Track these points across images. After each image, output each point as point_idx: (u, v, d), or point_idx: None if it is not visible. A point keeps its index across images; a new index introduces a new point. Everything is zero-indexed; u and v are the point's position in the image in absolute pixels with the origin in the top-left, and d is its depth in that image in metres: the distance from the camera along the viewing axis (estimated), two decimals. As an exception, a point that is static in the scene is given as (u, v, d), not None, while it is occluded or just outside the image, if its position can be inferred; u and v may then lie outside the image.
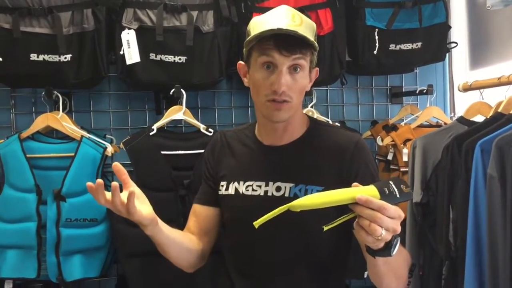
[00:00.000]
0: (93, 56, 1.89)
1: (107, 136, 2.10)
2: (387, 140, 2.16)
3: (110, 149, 1.90)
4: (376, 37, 2.08)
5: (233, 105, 2.33)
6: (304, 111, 2.09)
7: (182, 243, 1.26)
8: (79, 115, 2.15)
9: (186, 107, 1.97)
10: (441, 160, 1.68)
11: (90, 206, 1.85)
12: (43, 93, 1.93)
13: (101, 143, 1.91)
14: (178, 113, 1.97)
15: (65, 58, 1.83)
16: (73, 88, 2.05)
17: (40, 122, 1.88)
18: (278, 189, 1.22)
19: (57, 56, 1.81)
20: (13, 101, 2.10)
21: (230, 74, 2.10)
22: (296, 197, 1.18)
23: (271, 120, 1.20)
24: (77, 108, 2.15)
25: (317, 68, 1.24)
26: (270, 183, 1.22)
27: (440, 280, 1.68)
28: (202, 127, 1.98)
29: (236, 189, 1.26)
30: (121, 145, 1.92)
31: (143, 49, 1.90)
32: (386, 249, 0.96)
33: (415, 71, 2.48)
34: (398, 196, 0.94)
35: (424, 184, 1.79)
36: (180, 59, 1.92)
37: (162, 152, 1.91)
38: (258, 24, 1.17)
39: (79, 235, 1.84)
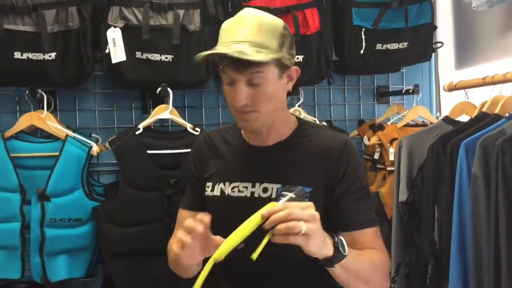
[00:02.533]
0: (78, 55, 1.87)
1: (92, 135, 2.08)
2: (374, 140, 2.17)
3: (95, 149, 1.88)
4: (363, 37, 2.09)
5: (220, 104, 2.32)
6: (291, 110, 2.10)
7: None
8: (64, 114, 2.12)
9: (173, 106, 1.96)
10: (427, 159, 1.69)
11: (74, 206, 1.84)
12: (27, 91, 1.91)
13: (87, 142, 1.89)
14: (165, 112, 1.96)
15: (50, 56, 1.81)
16: (57, 86, 2.03)
17: (24, 121, 1.86)
18: (265, 190, 1.20)
19: (42, 54, 1.79)
20: (-4, 100, 2.08)
21: (217, 73, 2.09)
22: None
23: (243, 129, 1.22)
24: (62, 107, 2.13)
25: (296, 67, 1.21)
26: (257, 184, 1.21)
27: (426, 279, 1.69)
28: (189, 126, 1.97)
29: (221, 190, 1.25)
30: (107, 145, 1.90)
31: (129, 48, 1.88)
32: (337, 252, 1.01)
33: (402, 70, 2.49)
34: (293, 196, 1.01)
35: (409, 183, 1.80)
36: (166, 57, 1.91)
37: (148, 152, 1.90)
38: (221, 35, 1.16)
39: (64, 235, 1.82)
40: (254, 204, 1.12)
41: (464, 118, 1.87)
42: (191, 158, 1.35)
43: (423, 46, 2.21)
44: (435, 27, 2.26)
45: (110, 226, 1.85)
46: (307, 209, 0.97)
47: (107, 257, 1.90)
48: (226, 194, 1.24)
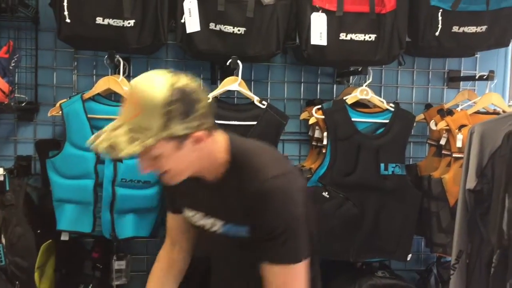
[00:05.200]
0: (155, 23, 1.92)
1: (162, 102, 2.15)
2: (442, 125, 2.12)
3: (167, 115, 1.94)
4: (440, 18, 2.03)
5: (286, 79, 2.34)
6: (359, 90, 2.10)
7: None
8: (137, 80, 2.20)
9: (240, 79, 1.99)
10: (501, 147, 1.64)
11: (144, 168, 1.92)
12: (105, 56, 1.99)
13: (158, 108, 1.95)
14: (234, 84, 1.99)
15: (129, 23, 1.87)
16: (133, 53, 2.10)
17: (102, 84, 1.95)
18: (213, 224, 1.25)
19: (122, 21, 1.85)
20: (75, 63, 2.18)
21: (285, 48, 2.10)
22: (226, 234, 1.23)
23: None
24: (136, 73, 2.20)
25: (202, 133, 1.10)
26: (208, 216, 1.26)
27: (489, 268, 1.66)
28: (256, 99, 2.00)
29: (187, 214, 1.32)
30: (177, 112, 1.96)
31: (204, 19, 1.92)
32: None
33: (476, 55, 2.40)
34: None
35: (479, 171, 1.76)
36: (239, 30, 1.93)
37: (217, 122, 1.93)
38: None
39: (133, 195, 1.91)
40: (205, 233, 1.28)
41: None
42: None
43: (502, 31, 2.12)
44: (517, 12, 2.16)
45: (176, 191, 1.92)
46: None
47: (171, 219, 1.98)
48: (190, 218, 1.32)
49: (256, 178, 1.14)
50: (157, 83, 1.06)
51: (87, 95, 1.93)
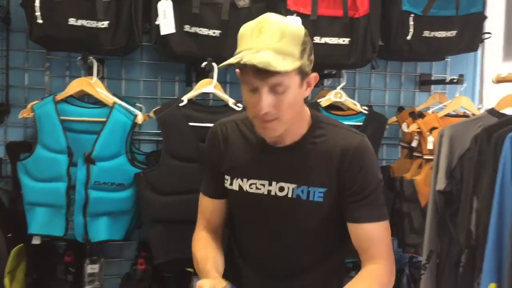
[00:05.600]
0: (129, 24, 1.90)
1: (136, 104, 2.14)
2: (413, 127, 2.16)
3: (140, 117, 1.94)
4: (411, 23, 2.07)
5: (262, 82, 2.34)
6: (333, 92, 2.12)
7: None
8: (111, 81, 2.18)
9: (216, 81, 1.99)
10: (469, 149, 1.68)
11: (118, 171, 1.90)
12: (78, 58, 1.96)
13: (132, 110, 1.94)
14: (209, 86, 1.99)
15: (102, 24, 1.85)
16: (107, 54, 2.08)
17: (75, 85, 1.92)
18: (281, 189, 1.24)
19: (95, 22, 1.84)
20: (48, 64, 2.14)
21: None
22: (298, 198, 1.22)
23: (262, 136, 1.22)
24: (110, 75, 2.19)
25: (315, 75, 1.20)
26: (273, 183, 1.24)
27: (457, 268, 1.70)
28: (231, 101, 2.00)
29: (240, 186, 1.28)
30: (151, 114, 1.95)
31: (179, 21, 1.91)
32: None
33: (446, 59, 2.46)
34: None
35: (448, 173, 1.80)
36: (214, 32, 1.94)
37: (190, 124, 1.94)
38: (240, 40, 1.14)
39: (107, 198, 1.89)
40: (271, 201, 1.22)
41: (510, 111, 1.84)
42: (209, 147, 1.36)
43: (471, 36, 2.18)
44: (485, 17, 2.21)
45: (151, 193, 1.91)
46: None
47: (146, 222, 1.98)
48: (245, 190, 1.28)
49: (351, 138, 1.22)
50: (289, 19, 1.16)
51: (60, 96, 1.90)
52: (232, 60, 1.10)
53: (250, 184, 1.27)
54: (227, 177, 1.31)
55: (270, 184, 1.24)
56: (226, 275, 1.23)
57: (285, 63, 1.08)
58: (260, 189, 1.25)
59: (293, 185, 1.22)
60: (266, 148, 1.25)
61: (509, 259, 1.46)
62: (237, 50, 1.14)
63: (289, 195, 1.23)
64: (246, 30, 1.14)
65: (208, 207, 1.37)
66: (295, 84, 1.13)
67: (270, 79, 1.09)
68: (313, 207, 1.22)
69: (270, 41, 1.09)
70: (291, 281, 1.30)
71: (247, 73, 1.11)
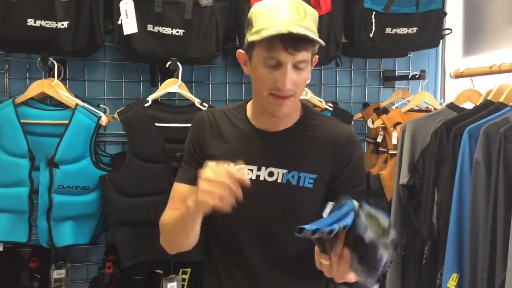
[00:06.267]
0: (90, 25, 1.88)
1: (100, 105, 2.10)
2: (378, 123, 2.20)
3: (104, 119, 1.91)
4: (373, 20, 2.10)
5: (228, 80, 2.34)
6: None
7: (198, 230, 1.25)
8: (73, 83, 2.14)
9: (181, 80, 1.98)
10: (430, 144, 1.72)
11: (82, 174, 1.87)
12: (38, 59, 1.92)
13: (95, 112, 1.91)
14: (174, 86, 1.98)
15: (62, 25, 1.81)
16: (68, 55, 2.04)
17: (35, 88, 1.88)
18: (270, 174, 1.23)
19: (54, 22, 1.80)
20: (7, 66, 2.08)
21: (225, 49, 2.11)
22: (288, 183, 1.21)
23: (273, 115, 1.21)
24: (72, 76, 2.14)
25: (317, 56, 1.22)
26: (263, 168, 1.23)
27: (421, 260, 1.74)
28: (196, 101, 1.99)
29: None
30: (116, 115, 1.93)
31: (141, 20, 1.89)
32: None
33: (408, 56, 2.51)
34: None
35: (411, 167, 1.84)
36: (177, 32, 1.92)
37: (156, 124, 1.93)
38: (262, 18, 1.14)
39: (71, 202, 1.86)
40: (259, 186, 1.20)
41: (468, 105, 1.89)
42: (192, 134, 1.34)
43: (432, 32, 2.22)
44: (445, 14, 2.27)
45: (116, 195, 1.89)
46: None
47: (112, 225, 1.94)
48: None
49: (343, 127, 1.28)
50: None
51: (20, 99, 1.86)
52: (275, 31, 1.08)
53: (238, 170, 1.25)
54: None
55: (259, 169, 1.23)
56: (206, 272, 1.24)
57: (315, 36, 1.11)
58: (248, 174, 1.23)
59: (284, 170, 1.22)
60: (256, 133, 1.26)
61: (469, 250, 1.51)
62: (258, 27, 1.13)
63: (279, 180, 1.23)
64: (262, 9, 1.15)
65: (183, 194, 1.30)
66: (309, 62, 1.16)
67: (299, 54, 1.11)
68: (303, 193, 1.22)
69: (295, 19, 1.11)
70: (278, 273, 1.27)
71: (275, 48, 1.11)
